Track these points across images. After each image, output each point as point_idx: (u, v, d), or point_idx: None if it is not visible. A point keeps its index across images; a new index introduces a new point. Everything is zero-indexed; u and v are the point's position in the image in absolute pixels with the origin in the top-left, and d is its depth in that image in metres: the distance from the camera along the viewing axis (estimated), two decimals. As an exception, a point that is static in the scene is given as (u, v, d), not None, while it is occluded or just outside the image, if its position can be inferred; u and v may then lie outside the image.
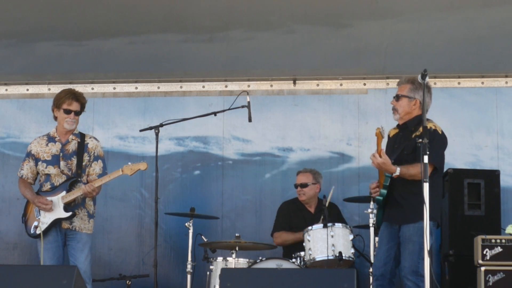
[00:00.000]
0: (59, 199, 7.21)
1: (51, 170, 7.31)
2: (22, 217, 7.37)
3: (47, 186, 7.32)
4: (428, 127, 6.61)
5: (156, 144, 7.69)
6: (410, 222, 6.62)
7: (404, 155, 6.67)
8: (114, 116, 9.11)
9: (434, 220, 6.55)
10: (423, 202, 6.38)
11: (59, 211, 7.20)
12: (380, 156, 6.55)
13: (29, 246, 8.78)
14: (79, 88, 8.68)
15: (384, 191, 6.72)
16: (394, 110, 6.85)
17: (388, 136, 6.98)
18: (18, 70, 9.01)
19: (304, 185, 8.35)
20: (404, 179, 6.62)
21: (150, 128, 7.81)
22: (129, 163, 7.37)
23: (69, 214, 7.20)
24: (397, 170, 6.55)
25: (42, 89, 9.20)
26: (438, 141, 6.69)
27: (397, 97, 6.83)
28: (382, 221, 6.86)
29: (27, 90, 9.22)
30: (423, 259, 6.44)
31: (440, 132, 6.75)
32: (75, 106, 7.36)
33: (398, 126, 6.92)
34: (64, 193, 7.23)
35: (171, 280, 8.70)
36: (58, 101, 7.37)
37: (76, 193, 7.22)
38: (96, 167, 7.37)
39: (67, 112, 7.34)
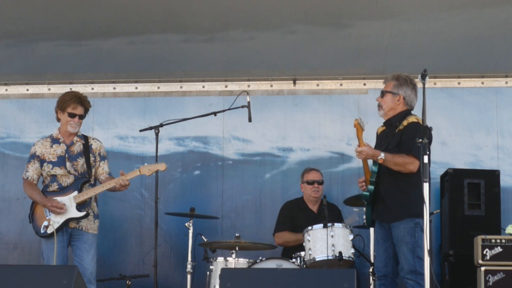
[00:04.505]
0: (70, 199, 7.20)
1: (58, 171, 7.31)
2: (29, 217, 7.33)
3: (54, 187, 7.31)
4: (411, 121, 6.69)
5: (156, 144, 7.70)
6: (396, 220, 6.65)
7: (388, 150, 6.71)
8: (114, 116, 9.11)
9: (421, 217, 6.35)
10: (409, 199, 6.55)
11: (71, 211, 7.19)
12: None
13: (29, 246, 8.79)
14: (79, 88, 8.71)
15: (371, 187, 6.77)
16: (379, 106, 6.93)
17: (376, 133, 7.08)
18: (18, 70, 9.01)
19: (321, 182, 8.36)
20: (389, 175, 6.67)
21: (150, 128, 7.81)
22: (146, 164, 7.39)
23: (83, 213, 7.21)
24: (382, 154, 6.60)
25: (42, 89, 9.20)
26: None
27: (382, 94, 6.94)
28: (372, 218, 6.88)
29: (27, 90, 9.22)
30: (419, 257, 6.47)
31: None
32: (79, 110, 7.37)
33: (384, 123, 6.98)
34: (75, 193, 7.22)
35: (171, 280, 8.70)
36: (63, 104, 7.36)
37: (90, 193, 7.23)
38: (105, 166, 7.41)
39: (72, 115, 7.35)
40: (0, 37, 8.45)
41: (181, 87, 9.09)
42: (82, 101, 7.39)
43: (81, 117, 7.40)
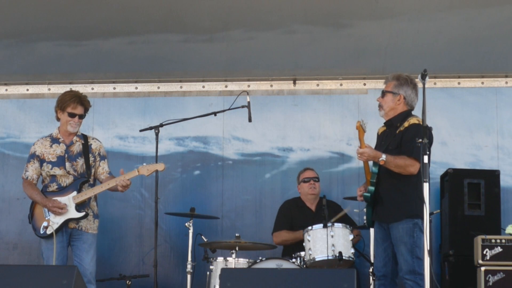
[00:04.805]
0: (69, 199, 7.19)
1: (57, 171, 7.29)
2: (29, 217, 7.32)
3: (53, 187, 7.30)
4: (412, 122, 6.69)
5: (156, 144, 7.70)
6: (395, 221, 6.65)
7: (389, 151, 6.72)
8: (114, 116, 9.11)
9: (420, 217, 6.34)
10: (408, 199, 6.56)
11: (71, 211, 7.18)
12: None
13: (29, 246, 8.78)
14: (79, 88, 8.70)
15: (371, 188, 6.78)
16: (380, 106, 6.95)
17: (377, 134, 7.08)
18: (18, 70, 9.01)
19: (317, 179, 8.36)
20: (389, 175, 6.68)
21: (150, 128, 7.82)
22: (144, 164, 7.38)
23: (82, 214, 7.20)
24: (383, 156, 6.61)
25: (42, 89, 9.20)
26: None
27: (383, 94, 6.96)
28: (372, 219, 6.89)
29: (27, 90, 9.22)
30: (417, 257, 6.47)
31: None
32: (79, 110, 7.36)
33: (385, 123, 6.98)
34: (75, 193, 7.21)
35: (171, 280, 8.70)
36: (63, 104, 7.34)
37: (89, 193, 7.22)
38: (105, 166, 7.40)
39: (72, 115, 7.34)
40: (0, 37, 8.45)
41: (181, 87, 9.09)
42: (82, 100, 7.38)
43: (81, 116, 7.39)
